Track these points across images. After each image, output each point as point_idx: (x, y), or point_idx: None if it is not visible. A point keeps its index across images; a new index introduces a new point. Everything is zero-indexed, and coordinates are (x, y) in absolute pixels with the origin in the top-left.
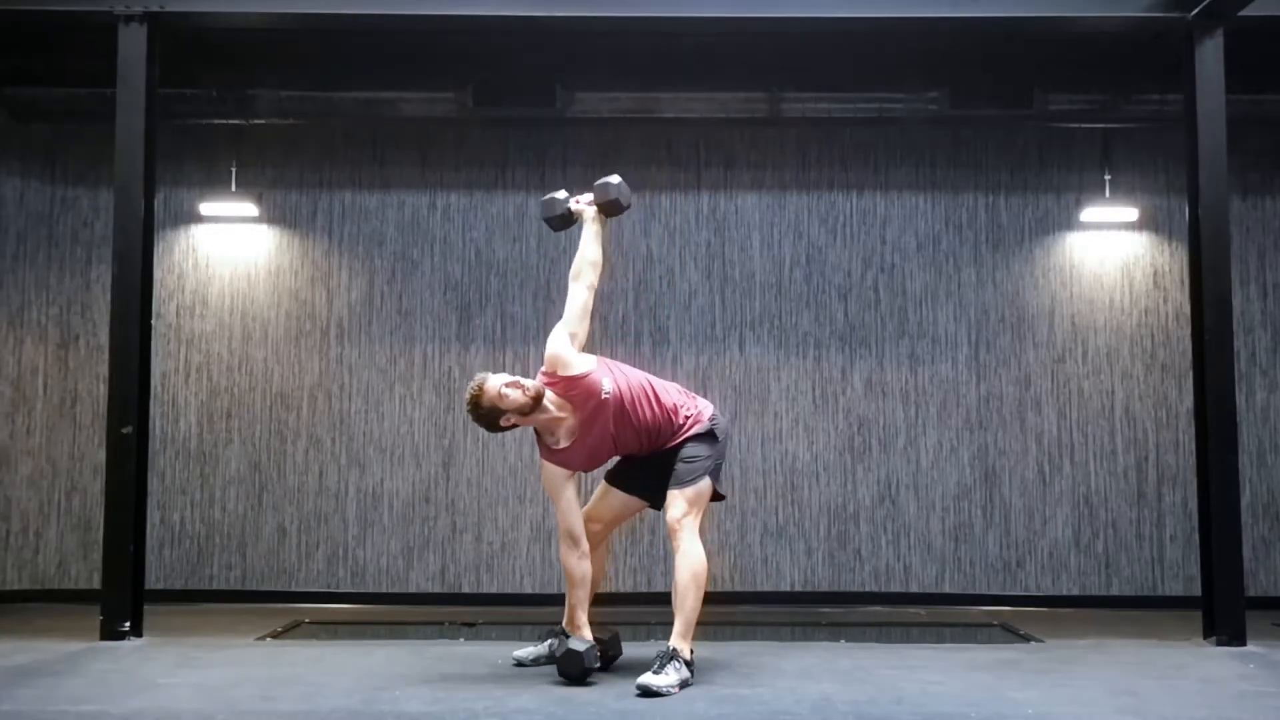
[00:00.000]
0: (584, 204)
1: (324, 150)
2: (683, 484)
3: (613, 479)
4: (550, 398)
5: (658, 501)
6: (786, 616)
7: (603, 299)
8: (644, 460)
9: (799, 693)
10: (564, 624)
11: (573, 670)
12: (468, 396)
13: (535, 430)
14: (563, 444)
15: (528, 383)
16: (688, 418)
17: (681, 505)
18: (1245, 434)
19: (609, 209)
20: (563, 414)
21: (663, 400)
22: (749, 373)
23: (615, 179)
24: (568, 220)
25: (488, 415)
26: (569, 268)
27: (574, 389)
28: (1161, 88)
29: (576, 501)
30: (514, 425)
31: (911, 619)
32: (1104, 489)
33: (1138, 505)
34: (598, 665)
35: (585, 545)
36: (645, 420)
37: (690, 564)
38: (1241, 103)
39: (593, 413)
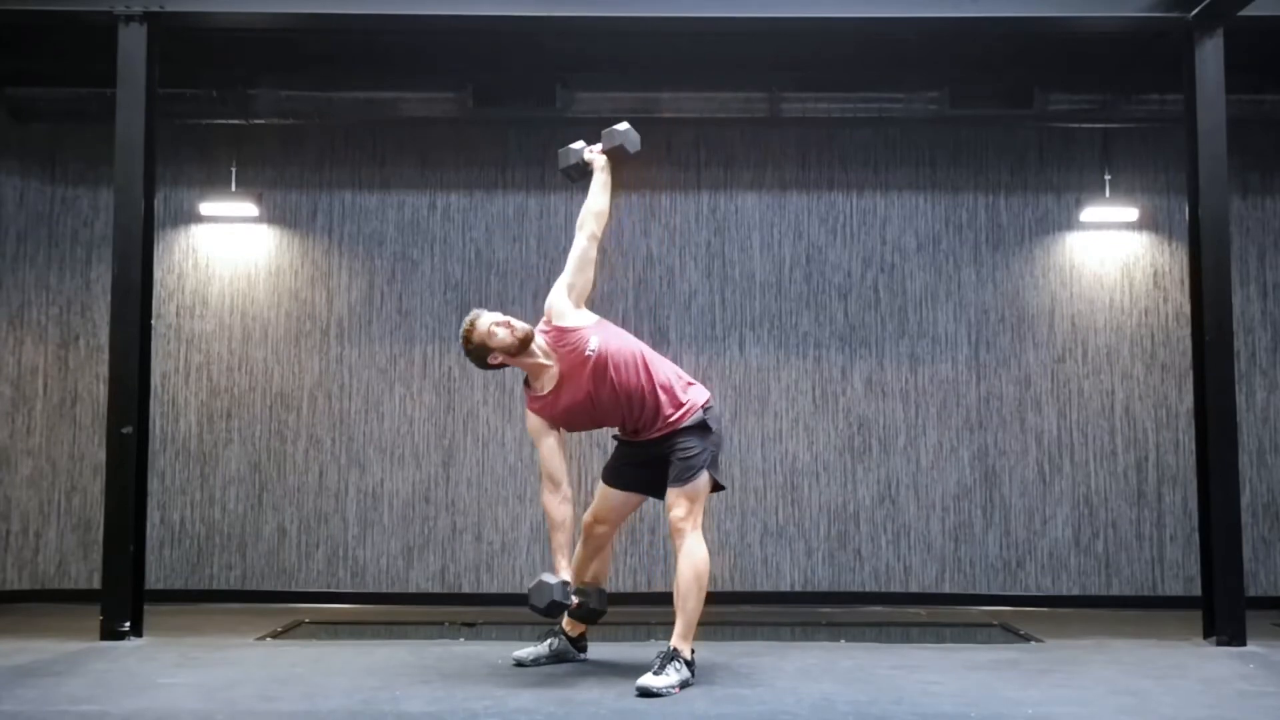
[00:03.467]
0: (595, 153)
1: (324, 150)
2: (681, 482)
3: (609, 478)
4: (540, 344)
5: (657, 492)
6: (786, 616)
7: (603, 299)
8: (639, 456)
9: (799, 693)
10: (563, 622)
11: (539, 601)
12: (461, 332)
13: (525, 376)
14: (545, 390)
15: (517, 324)
16: (679, 404)
17: (683, 505)
18: (1245, 434)
19: (616, 155)
20: (548, 362)
21: (653, 375)
22: (749, 373)
23: (623, 125)
24: (583, 170)
25: (476, 351)
26: None
27: (563, 340)
28: (1161, 88)
29: (558, 448)
30: (501, 364)
31: (911, 619)
32: (1104, 489)
33: (1138, 505)
34: (570, 603)
35: (566, 489)
36: (628, 387)
37: (694, 564)
38: (1241, 103)
39: (574, 366)
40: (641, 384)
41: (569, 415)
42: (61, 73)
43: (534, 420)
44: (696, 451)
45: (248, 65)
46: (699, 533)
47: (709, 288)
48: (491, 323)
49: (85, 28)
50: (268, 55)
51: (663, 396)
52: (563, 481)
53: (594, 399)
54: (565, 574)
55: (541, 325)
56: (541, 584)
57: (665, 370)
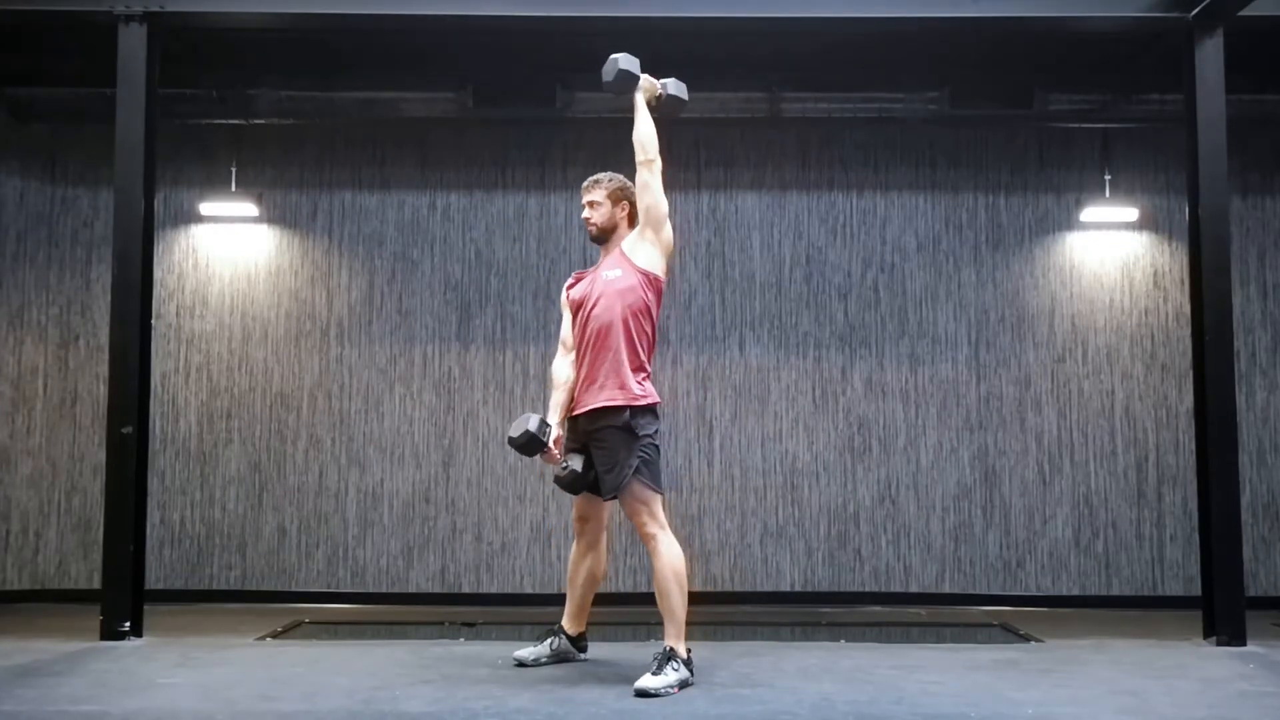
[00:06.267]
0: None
1: (324, 150)
2: (615, 490)
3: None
4: (611, 242)
5: (597, 491)
6: (786, 616)
7: None
8: (575, 444)
9: (799, 693)
10: (563, 621)
11: (515, 432)
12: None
13: None
14: (587, 271)
15: (595, 224)
16: (622, 386)
17: (641, 511)
18: (1245, 434)
19: (610, 89)
20: (605, 255)
21: (615, 338)
22: (749, 373)
23: (610, 59)
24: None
25: (584, 190)
26: (569, 268)
27: (615, 254)
28: (1161, 88)
29: (570, 322)
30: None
31: (911, 619)
32: (1104, 489)
33: (1138, 505)
34: (546, 439)
35: (574, 355)
36: (595, 327)
37: (669, 564)
38: (1241, 103)
39: (599, 275)
40: (603, 338)
41: (570, 304)
42: (61, 73)
43: (564, 293)
44: (617, 462)
45: (248, 65)
46: (667, 531)
47: (709, 288)
48: (597, 199)
49: (85, 28)
50: (268, 55)
51: (610, 367)
52: (574, 350)
53: (584, 304)
54: (552, 422)
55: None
56: (523, 417)
57: (632, 355)
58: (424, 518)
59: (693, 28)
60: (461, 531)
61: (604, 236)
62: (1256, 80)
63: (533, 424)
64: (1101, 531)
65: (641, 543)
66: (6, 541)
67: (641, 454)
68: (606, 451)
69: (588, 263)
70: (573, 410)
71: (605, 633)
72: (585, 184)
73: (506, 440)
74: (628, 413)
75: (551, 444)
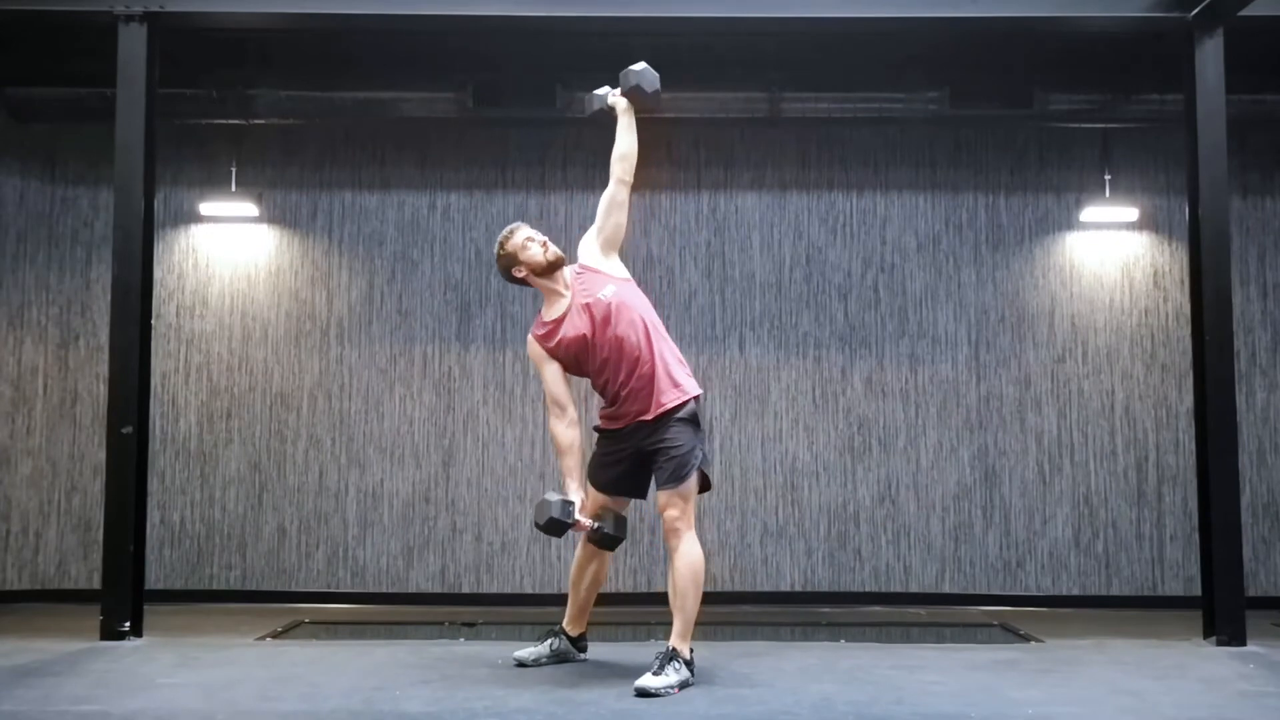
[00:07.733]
0: (616, 96)
1: (324, 150)
2: (676, 481)
3: (592, 478)
4: (565, 273)
5: (638, 493)
6: (786, 616)
7: None
8: (621, 452)
9: (799, 693)
10: (564, 623)
11: (540, 519)
12: (498, 239)
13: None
14: (550, 318)
15: (552, 247)
16: (676, 386)
17: (678, 505)
18: (1245, 434)
19: (634, 96)
20: (565, 293)
21: (653, 345)
22: (749, 373)
23: (639, 65)
24: (609, 116)
25: (505, 260)
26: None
27: (583, 279)
28: (1161, 88)
29: (560, 375)
30: (524, 280)
31: (911, 619)
32: (1104, 489)
33: (1138, 505)
34: (571, 521)
35: (572, 414)
36: (625, 344)
37: (689, 563)
38: (1242, 103)
39: (583, 306)
40: (640, 348)
41: (564, 350)
42: (61, 73)
43: (534, 347)
44: (688, 449)
45: (248, 65)
46: (693, 532)
47: (709, 288)
48: (526, 237)
49: (85, 28)
50: (268, 55)
51: (659, 370)
52: (568, 406)
53: (590, 343)
54: (573, 495)
55: (575, 266)
56: (543, 502)
57: (668, 349)
58: (424, 518)
59: (693, 28)
60: (461, 531)
61: (555, 269)
62: (1256, 80)
63: (555, 510)
64: (1101, 531)
65: (659, 539)
66: (6, 541)
67: (703, 445)
68: (676, 445)
69: None
70: (619, 424)
71: (605, 633)
72: (527, 229)
73: (532, 525)
74: (692, 403)
75: (578, 515)
